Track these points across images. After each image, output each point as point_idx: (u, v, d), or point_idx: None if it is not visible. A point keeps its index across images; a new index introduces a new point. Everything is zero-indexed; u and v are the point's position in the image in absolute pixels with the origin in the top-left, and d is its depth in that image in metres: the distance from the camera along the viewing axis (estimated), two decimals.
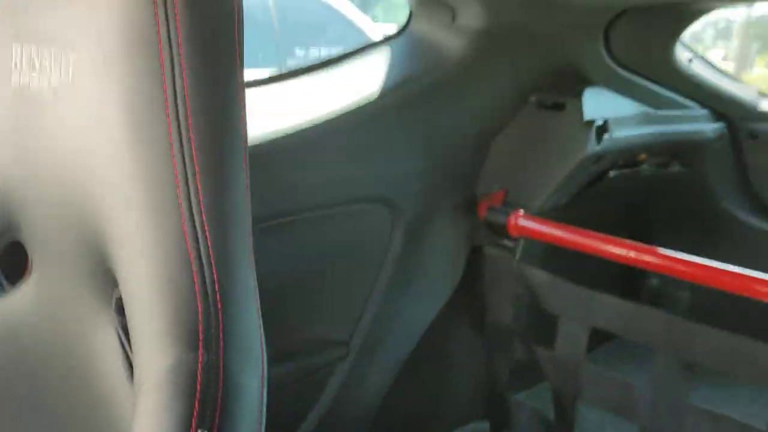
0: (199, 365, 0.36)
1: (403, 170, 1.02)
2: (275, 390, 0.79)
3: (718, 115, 1.52)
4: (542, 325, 1.10)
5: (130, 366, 0.43)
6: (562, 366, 1.00)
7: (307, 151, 0.89)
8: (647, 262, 0.95)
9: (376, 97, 0.96)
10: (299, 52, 3.06)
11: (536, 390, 1.47)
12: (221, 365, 0.37)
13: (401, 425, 1.18)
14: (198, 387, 0.36)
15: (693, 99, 1.41)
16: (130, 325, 0.40)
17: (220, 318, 0.37)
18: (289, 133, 0.88)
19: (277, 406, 0.94)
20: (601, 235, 0.99)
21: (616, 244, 0.97)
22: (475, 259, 1.16)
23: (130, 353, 0.43)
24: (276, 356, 0.74)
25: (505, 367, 1.11)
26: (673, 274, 0.94)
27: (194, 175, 0.38)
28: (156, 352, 0.37)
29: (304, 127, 0.89)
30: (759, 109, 1.55)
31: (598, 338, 1.59)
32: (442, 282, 1.16)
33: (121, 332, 0.44)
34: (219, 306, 0.38)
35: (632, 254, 0.95)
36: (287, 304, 0.94)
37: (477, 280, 1.14)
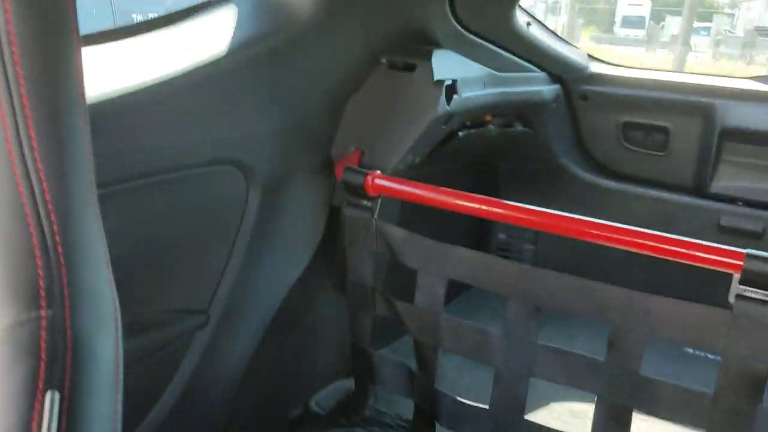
0: (43, 322, 0.33)
1: (255, 132, 0.99)
2: (131, 363, 0.74)
3: (554, 78, 1.62)
4: (402, 280, 1.13)
5: None
6: (422, 318, 1.03)
7: (153, 113, 0.83)
8: (497, 214, 1.00)
9: (224, 56, 0.92)
10: (137, 17, 2.88)
11: (398, 344, 1.52)
12: (68, 323, 0.34)
13: (267, 389, 1.17)
14: (42, 345, 0.33)
15: (532, 62, 1.50)
16: None
17: (64, 273, 0.34)
18: (131, 92, 0.82)
19: (135, 380, 0.89)
20: (455, 191, 1.03)
21: (468, 199, 1.01)
22: (334, 219, 1.16)
23: None
24: (129, 329, 0.70)
25: (367, 324, 1.13)
26: (520, 224, 1.00)
27: (27, 129, 0.35)
28: None
29: (147, 86, 0.83)
30: (589, 72, 1.67)
31: (455, 290, 1.66)
32: (302, 244, 1.15)
33: None
34: (61, 260, 0.34)
35: (483, 207, 1.00)
36: (139, 274, 0.89)
37: (337, 240, 1.14)
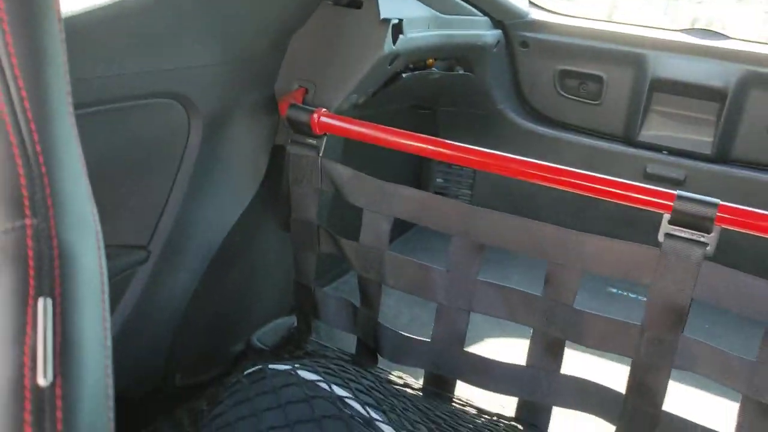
0: (28, 231, 0.32)
1: (196, 64, 0.96)
2: None
3: (496, 23, 1.63)
4: (346, 219, 1.14)
5: None
6: (367, 256, 1.05)
7: (88, 42, 0.79)
8: (441, 154, 1.01)
9: None
10: None
11: (342, 281, 1.54)
12: (53, 232, 0.33)
13: (209, 326, 1.17)
14: (30, 254, 0.32)
15: (475, 6, 1.50)
16: None
17: (46, 183, 0.33)
18: (64, 19, 0.77)
19: None
20: (401, 131, 1.04)
21: (415, 139, 1.02)
22: (277, 157, 1.15)
23: None
24: None
25: (311, 262, 1.14)
26: (463, 164, 1.02)
27: (4, 35, 0.33)
28: None
29: (81, 14, 0.78)
30: (529, 18, 1.69)
31: (396, 229, 1.69)
32: (244, 182, 1.14)
33: None
34: (43, 170, 0.33)
35: (429, 147, 1.01)
36: None
37: (281, 178, 1.13)
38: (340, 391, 0.84)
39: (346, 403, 0.82)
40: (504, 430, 0.97)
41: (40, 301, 0.31)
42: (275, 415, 0.80)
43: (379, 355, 1.11)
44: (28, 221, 0.32)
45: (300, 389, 0.83)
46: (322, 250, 1.12)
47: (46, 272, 0.32)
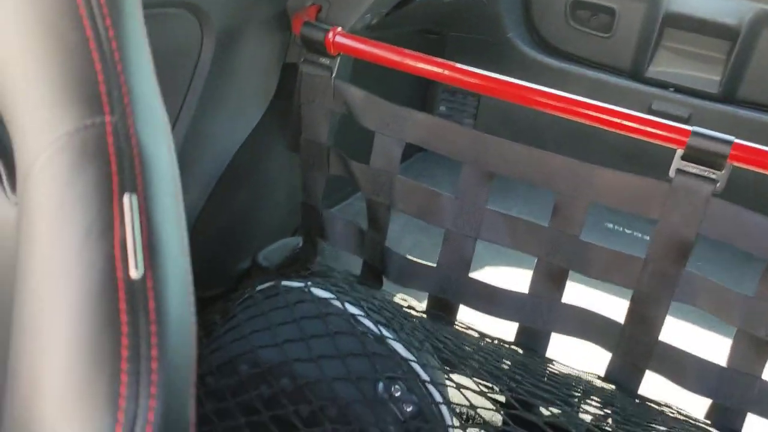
0: (108, 128, 0.32)
1: None
2: None
3: None
4: (357, 141, 1.14)
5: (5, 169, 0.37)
6: (377, 179, 1.06)
7: None
8: (455, 79, 1.00)
9: None
10: None
11: (346, 204, 1.55)
12: (131, 130, 0.33)
13: (215, 243, 1.18)
14: (111, 150, 0.32)
15: None
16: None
17: (122, 80, 0.33)
18: None
19: None
20: (416, 53, 1.03)
21: (431, 63, 1.01)
22: (289, 76, 1.13)
23: None
24: None
25: (320, 183, 1.14)
26: (473, 89, 1.01)
27: None
28: (47, 127, 0.32)
29: None
30: None
31: (410, 152, 1.68)
32: (255, 99, 1.12)
33: None
34: (119, 68, 0.33)
35: (446, 72, 1.00)
36: None
37: (292, 97, 1.12)
38: (352, 309, 0.86)
39: (359, 321, 0.84)
40: (505, 351, 1.00)
41: (126, 197, 0.32)
42: (290, 329, 0.82)
43: (384, 278, 1.13)
44: (107, 118, 0.32)
45: (314, 305, 0.85)
46: (332, 171, 1.12)
47: (128, 169, 0.32)
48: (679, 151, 0.88)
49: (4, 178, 0.37)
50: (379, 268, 1.11)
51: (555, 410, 0.86)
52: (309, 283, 0.90)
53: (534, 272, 1.01)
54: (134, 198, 0.32)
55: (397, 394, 0.78)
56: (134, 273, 0.31)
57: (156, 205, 0.33)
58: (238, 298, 0.95)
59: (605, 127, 0.93)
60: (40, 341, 0.31)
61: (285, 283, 0.90)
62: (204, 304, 1.12)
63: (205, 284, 1.19)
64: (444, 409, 0.80)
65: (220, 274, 1.21)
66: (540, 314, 1.02)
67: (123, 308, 0.30)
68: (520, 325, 1.05)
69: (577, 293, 1.06)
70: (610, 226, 1.64)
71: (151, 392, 0.30)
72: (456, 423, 0.80)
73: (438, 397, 0.80)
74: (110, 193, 0.32)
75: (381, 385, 0.78)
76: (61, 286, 0.30)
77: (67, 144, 0.32)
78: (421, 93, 1.91)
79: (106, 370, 0.30)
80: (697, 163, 0.87)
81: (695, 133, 0.86)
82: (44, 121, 0.32)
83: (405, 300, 1.13)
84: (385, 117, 1.03)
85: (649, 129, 0.90)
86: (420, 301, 1.13)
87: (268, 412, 0.79)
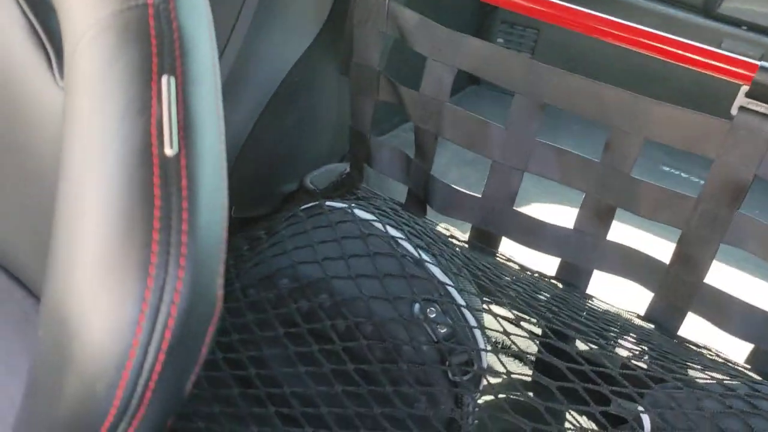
0: (150, 10, 0.33)
1: None
2: None
3: None
4: (409, 67, 1.12)
5: (47, 54, 0.38)
6: (426, 106, 1.04)
7: None
8: (521, 5, 0.97)
9: None
10: None
11: (395, 134, 1.54)
12: (173, 14, 0.34)
13: (263, 165, 1.20)
14: (152, 32, 0.33)
15: None
16: None
17: None
18: None
19: None
20: None
21: None
22: None
23: (44, 36, 0.38)
24: None
25: (368, 109, 1.13)
26: (536, 15, 0.98)
27: None
28: (92, 7, 0.33)
29: None
30: None
31: (461, 85, 1.66)
32: (308, 20, 1.12)
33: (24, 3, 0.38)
34: None
35: None
36: None
37: (345, 19, 1.11)
38: (393, 232, 0.87)
39: (399, 244, 0.85)
40: (544, 284, 1.00)
41: (164, 78, 0.33)
42: (331, 247, 0.83)
43: (428, 207, 1.13)
44: (150, 0, 0.33)
45: (355, 226, 0.86)
46: (381, 97, 1.12)
47: (168, 51, 0.33)
48: (744, 88, 0.84)
49: (54, 65, 0.38)
50: (423, 196, 1.12)
51: (591, 345, 0.86)
52: (352, 204, 0.91)
53: (581, 208, 0.99)
54: (172, 80, 0.33)
55: (432, 316, 0.79)
56: (169, 150, 0.32)
57: (193, 88, 0.34)
58: (283, 216, 0.97)
59: (667, 59, 0.89)
60: (78, 214, 0.33)
61: (329, 203, 0.92)
62: (250, 222, 1.15)
63: (252, 204, 1.22)
64: (477, 333, 0.81)
65: (266, 195, 1.24)
66: (584, 250, 1.00)
67: (156, 183, 0.32)
68: (562, 260, 1.04)
69: (622, 233, 1.05)
70: (666, 168, 1.59)
71: (180, 263, 0.32)
72: (488, 348, 0.81)
73: (472, 322, 0.81)
74: (149, 74, 0.33)
75: (417, 307, 0.79)
76: (100, 161, 0.32)
77: (110, 24, 0.33)
78: (477, 24, 1.85)
79: (139, 239, 0.31)
80: (762, 101, 0.83)
81: (763, 68, 0.81)
82: (89, 2, 0.33)
83: (448, 229, 1.13)
84: (438, 42, 1.01)
85: (713, 62, 0.86)
86: (463, 233, 1.13)
87: (306, 326, 0.82)
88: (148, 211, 0.32)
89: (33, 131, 0.43)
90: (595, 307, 1.00)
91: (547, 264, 1.06)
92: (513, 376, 0.79)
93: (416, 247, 0.85)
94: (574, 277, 1.04)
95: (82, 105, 0.33)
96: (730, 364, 0.93)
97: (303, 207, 0.94)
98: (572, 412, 0.89)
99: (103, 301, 0.33)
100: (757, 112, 0.83)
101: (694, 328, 0.97)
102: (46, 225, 0.38)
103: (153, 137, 0.32)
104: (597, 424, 0.88)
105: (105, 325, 0.33)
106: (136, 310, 0.32)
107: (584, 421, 0.93)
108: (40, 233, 0.42)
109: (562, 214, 1.12)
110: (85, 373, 0.34)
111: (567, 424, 0.84)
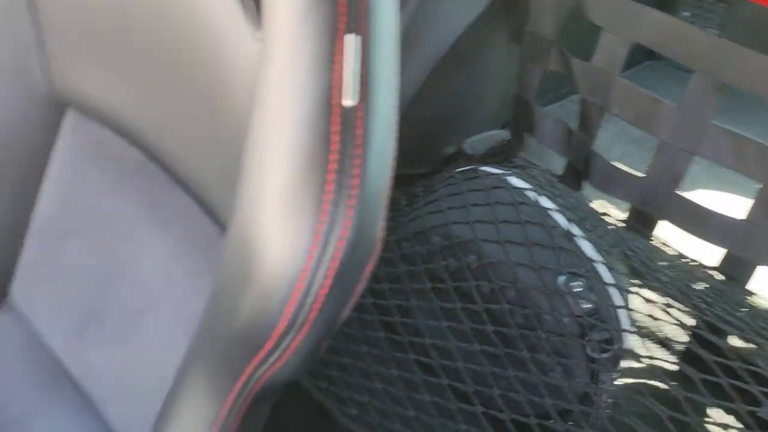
0: None
1: None
2: None
3: None
4: (582, 37, 1.10)
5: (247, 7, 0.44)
6: (596, 78, 1.02)
7: None
8: None
9: None
10: None
11: (564, 103, 1.52)
12: None
13: (426, 124, 1.24)
14: None
15: None
16: None
17: None
18: None
19: None
20: None
21: None
22: None
23: None
24: None
25: (536, 77, 1.13)
26: None
27: None
28: None
29: None
30: None
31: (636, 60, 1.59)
32: None
33: None
34: None
35: None
36: None
37: None
38: (545, 202, 0.87)
39: (550, 215, 0.85)
40: (702, 273, 0.96)
41: (349, 36, 0.37)
42: (484, 211, 0.86)
43: (585, 183, 1.12)
44: None
45: (509, 193, 0.87)
46: (550, 66, 1.11)
47: (354, 12, 0.37)
48: None
49: (252, 16, 0.43)
50: (581, 170, 1.10)
51: (746, 342, 0.82)
52: (507, 171, 0.92)
53: (756, 199, 0.93)
54: (357, 39, 0.37)
55: (577, 290, 0.79)
56: (348, 101, 0.37)
57: (375, 47, 0.38)
58: (441, 177, 1.00)
59: None
60: (266, 153, 0.39)
61: (484, 168, 0.94)
62: (410, 179, 1.19)
63: (413, 162, 1.26)
64: (622, 313, 0.80)
65: (427, 155, 1.28)
66: (752, 243, 0.94)
67: (335, 130, 0.37)
68: (727, 252, 0.99)
69: None
70: None
71: (350, 203, 0.37)
72: (632, 329, 0.80)
73: (618, 301, 0.80)
74: (336, 32, 0.37)
75: (562, 279, 0.80)
76: (288, 107, 0.37)
77: None
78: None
79: (316, 179, 0.37)
80: None
81: None
82: None
83: (604, 206, 1.11)
84: (617, 12, 0.98)
85: None
86: (618, 212, 1.11)
87: (453, 283, 0.85)
88: (326, 155, 0.37)
89: (228, 75, 0.49)
90: (757, 305, 0.94)
91: (704, 253, 1.01)
92: (656, 361, 0.78)
93: (568, 219, 0.85)
94: (737, 270, 0.98)
95: (276, 55, 0.38)
96: None
97: (460, 169, 0.97)
98: (715, 409, 0.86)
99: (283, 229, 0.39)
100: None
101: None
102: (235, 161, 0.45)
103: (335, 89, 0.37)
104: (743, 425, 0.84)
105: (282, 250, 0.39)
106: (309, 241, 0.38)
107: (731, 421, 0.89)
108: (228, 168, 0.49)
109: (731, 203, 1.06)
110: (262, 289, 0.41)
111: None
